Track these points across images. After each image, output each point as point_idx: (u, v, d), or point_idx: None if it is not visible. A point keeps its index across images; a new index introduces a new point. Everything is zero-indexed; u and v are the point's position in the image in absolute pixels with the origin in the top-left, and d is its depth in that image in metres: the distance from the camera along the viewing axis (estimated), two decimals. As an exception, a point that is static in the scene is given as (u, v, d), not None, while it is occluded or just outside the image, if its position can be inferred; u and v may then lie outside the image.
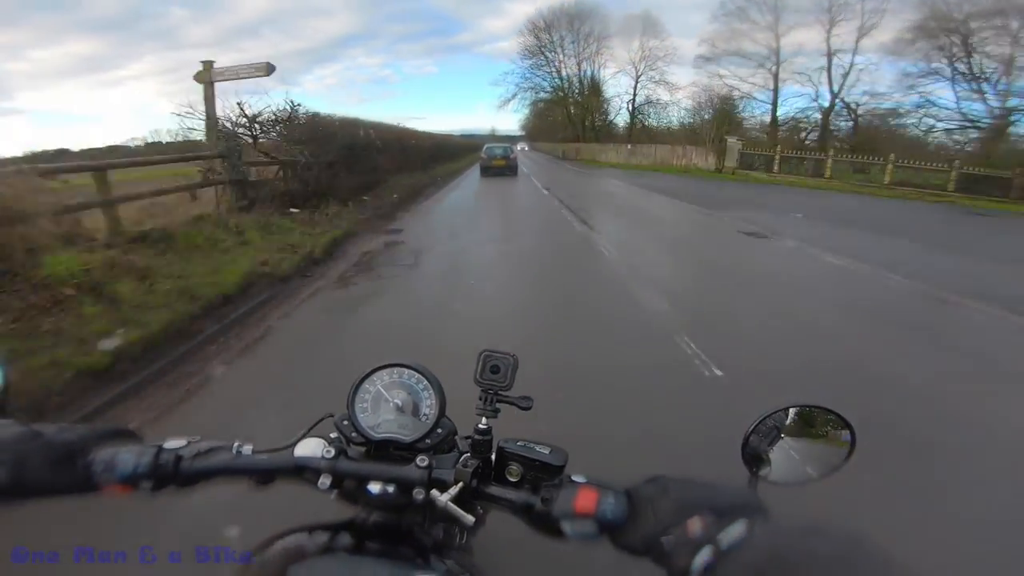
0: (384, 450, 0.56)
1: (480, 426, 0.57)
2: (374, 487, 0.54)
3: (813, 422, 0.65)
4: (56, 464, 0.49)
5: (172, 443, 0.53)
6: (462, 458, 0.55)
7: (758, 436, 0.64)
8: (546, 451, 0.54)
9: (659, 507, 0.45)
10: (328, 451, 0.54)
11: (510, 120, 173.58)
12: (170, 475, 0.51)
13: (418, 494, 0.52)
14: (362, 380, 0.60)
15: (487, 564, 0.61)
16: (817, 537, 0.37)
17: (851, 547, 0.35)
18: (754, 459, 0.63)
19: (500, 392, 0.59)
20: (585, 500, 0.48)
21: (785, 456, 0.64)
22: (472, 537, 0.64)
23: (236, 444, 0.55)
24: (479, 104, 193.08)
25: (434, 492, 0.51)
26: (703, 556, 0.39)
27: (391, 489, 0.53)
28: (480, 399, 0.58)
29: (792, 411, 0.65)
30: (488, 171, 19.21)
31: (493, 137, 50.38)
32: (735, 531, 0.40)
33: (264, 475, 0.55)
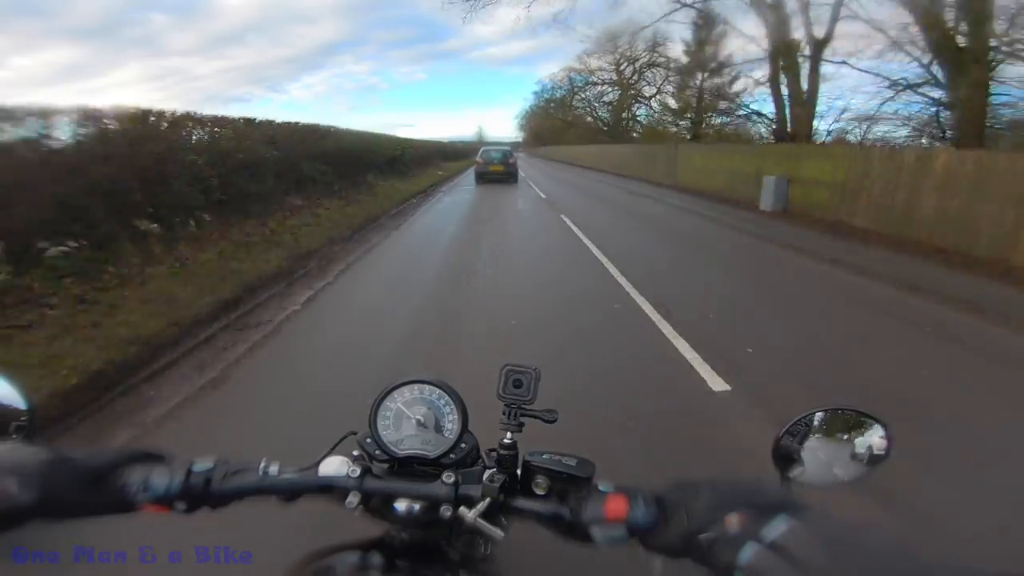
0: (408, 466, 0.57)
1: (505, 440, 0.58)
2: (400, 505, 0.55)
3: (846, 424, 0.65)
4: (87, 485, 0.50)
5: (200, 464, 0.54)
6: (488, 473, 0.55)
7: (789, 437, 0.64)
8: (573, 463, 0.55)
9: (692, 507, 0.45)
10: (354, 470, 0.55)
11: (502, 125, 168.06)
12: (201, 496, 0.52)
13: (445, 511, 0.53)
14: (383, 397, 0.61)
15: (510, 572, 0.63)
16: (865, 532, 0.37)
17: (901, 543, 0.36)
18: (785, 460, 0.64)
19: (524, 406, 0.60)
20: (615, 507, 0.50)
21: (816, 458, 0.64)
22: (496, 548, 0.64)
23: (263, 464, 0.56)
24: (468, 111, 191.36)
25: (463, 509, 0.52)
26: (747, 552, 0.39)
27: (417, 507, 0.54)
28: (504, 414, 0.59)
29: (824, 414, 0.65)
30: (484, 177, 17.08)
31: (480, 143, 48.38)
32: (778, 526, 0.40)
33: (292, 494, 0.55)
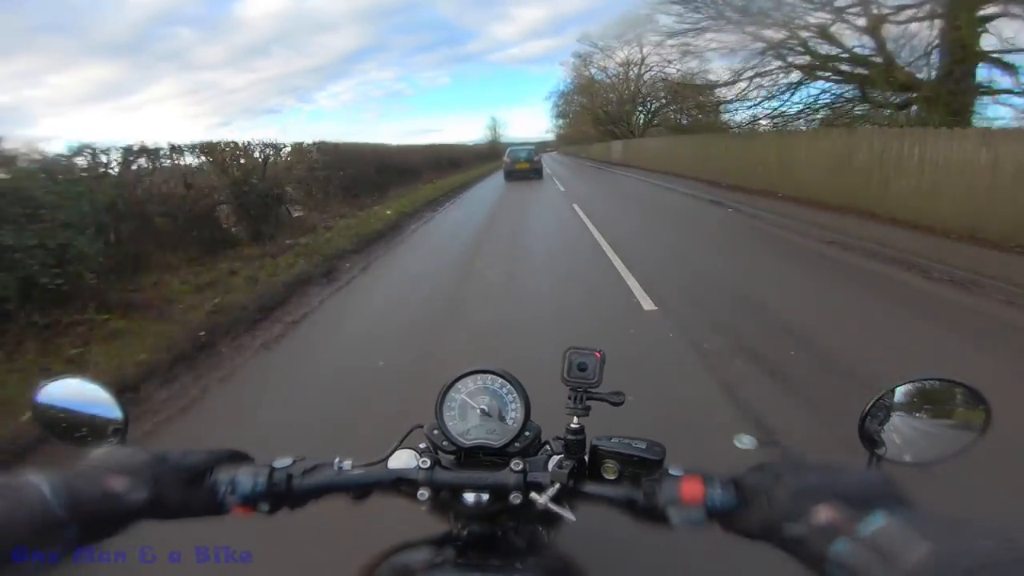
0: (474, 457, 0.60)
1: (572, 426, 0.58)
2: (469, 496, 0.56)
3: (939, 397, 0.61)
4: (184, 486, 0.52)
5: (281, 462, 0.57)
6: (557, 459, 0.56)
7: (874, 415, 0.61)
8: (643, 446, 0.54)
9: (775, 493, 0.44)
10: (424, 461, 0.56)
11: (527, 125, 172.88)
12: (284, 494, 0.54)
13: (515, 499, 0.54)
14: (448, 388, 0.63)
15: (576, 557, 0.61)
16: (970, 528, 0.35)
17: (1009, 537, 0.33)
18: (871, 440, 0.60)
19: (589, 389, 0.60)
20: (691, 489, 0.49)
21: (906, 435, 0.61)
22: (558, 534, 0.66)
23: (336, 460, 0.58)
24: (493, 113, 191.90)
25: (533, 495, 0.53)
26: (840, 547, 0.38)
27: (486, 496, 0.56)
28: (569, 398, 0.59)
29: (915, 385, 0.61)
30: (512, 175, 18.52)
31: (498, 145, 49.28)
32: (875, 521, 0.38)
33: (364, 490, 0.58)
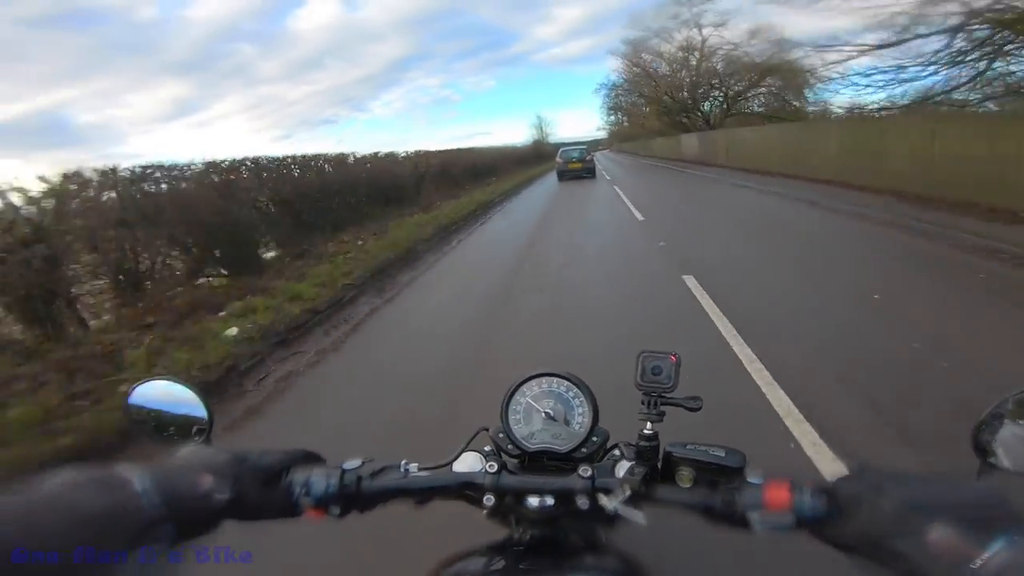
0: (538, 461, 0.60)
1: (645, 431, 0.57)
2: (533, 500, 0.56)
3: None
4: (262, 486, 0.54)
5: (350, 464, 0.58)
6: (628, 465, 0.56)
7: (988, 424, 0.58)
8: (721, 453, 0.53)
9: (878, 505, 0.41)
10: (491, 466, 0.57)
11: (576, 125, 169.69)
12: (353, 496, 0.56)
13: (582, 504, 0.54)
14: (513, 392, 0.63)
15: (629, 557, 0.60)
16: None
17: None
18: (984, 450, 0.57)
19: (664, 394, 0.59)
20: (777, 496, 0.48)
21: (1019, 445, 0.57)
22: (614, 533, 0.65)
23: (403, 463, 0.59)
24: (542, 112, 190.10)
25: (603, 499, 0.53)
26: (963, 572, 0.34)
27: (550, 501, 0.56)
28: (643, 403, 0.58)
29: None
30: (565, 175, 19.09)
31: (545, 146, 48.48)
32: (997, 548, 0.34)
33: (427, 494, 0.59)
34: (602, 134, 69.36)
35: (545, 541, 0.58)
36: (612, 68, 48.20)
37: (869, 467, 0.46)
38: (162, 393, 0.68)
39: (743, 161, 15.73)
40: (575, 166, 19.01)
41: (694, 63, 25.10)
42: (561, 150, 20.62)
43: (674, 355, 0.60)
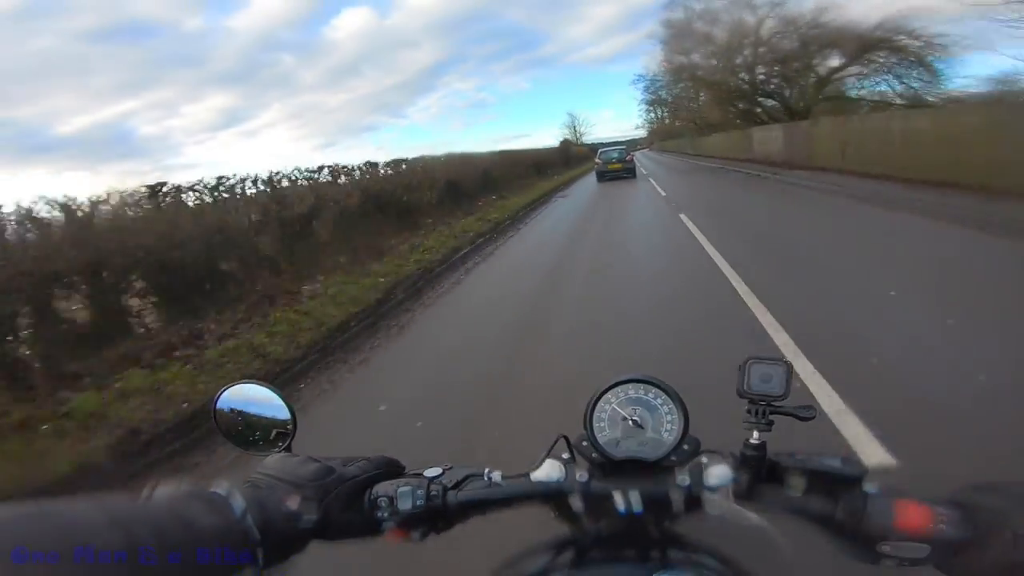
0: (623, 470, 0.62)
1: (752, 440, 0.58)
2: (622, 505, 0.59)
3: None
4: (349, 502, 0.56)
5: (431, 471, 0.62)
6: (728, 472, 0.57)
7: None
8: (837, 462, 0.53)
9: (1020, 527, 0.39)
10: (582, 475, 0.60)
11: (613, 125, 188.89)
12: (439, 509, 0.59)
13: (678, 509, 0.57)
14: (598, 398, 0.66)
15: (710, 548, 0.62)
16: None
17: None
18: None
19: (774, 403, 0.59)
20: (913, 516, 0.46)
21: None
22: (682, 524, 0.65)
23: (487, 470, 0.62)
24: (576, 111, 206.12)
25: (707, 494, 0.56)
26: None
27: (639, 508, 0.58)
28: (749, 412, 0.60)
29: None
30: (605, 176, 20.87)
31: (580, 146, 53.41)
32: None
33: (512, 504, 0.62)
34: (641, 132, 64.09)
35: (623, 537, 0.61)
36: (651, 58, 45.73)
37: (998, 481, 0.45)
38: (248, 396, 0.73)
39: (875, 164, 12.04)
40: (615, 167, 20.97)
41: (762, 36, 22.24)
42: (600, 151, 22.83)
43: (784, 360, 0.61)
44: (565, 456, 0.63)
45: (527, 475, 0.61)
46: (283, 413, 0.70)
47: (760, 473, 0.56)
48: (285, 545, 0.48)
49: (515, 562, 0.59)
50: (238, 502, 0.45)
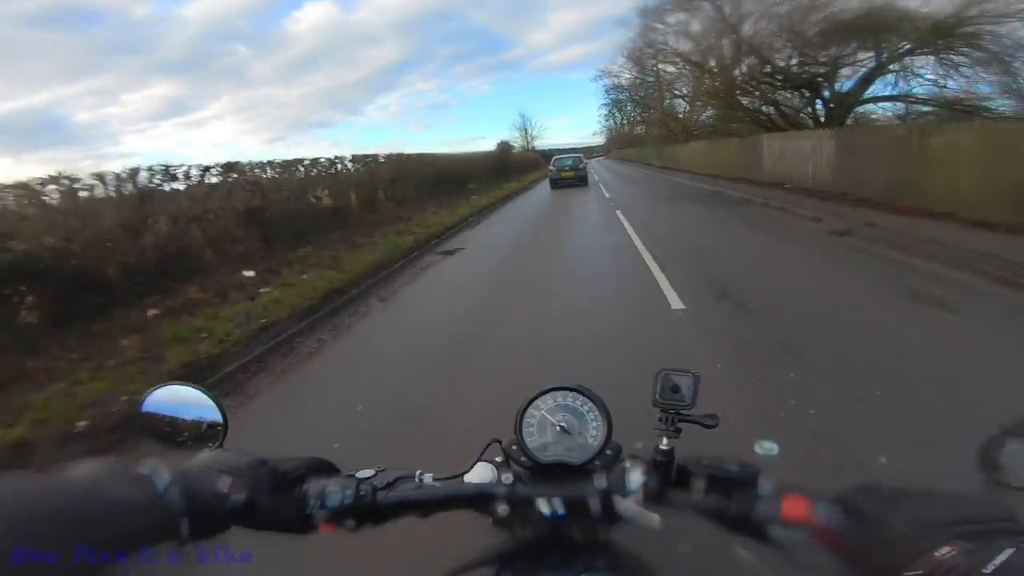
0: (550, 473, 0.70)
1: (661, 447, 0.67)
2: (545, 509, 0.65)
3: None
4: (278, 493, 0.62)
5: (364, 473, 0.68)
6: (642, 477, 0.65)
7: (999, 439, 0.61)
8: (735, 467, 0.62)
9: (891, 523, 0.46)
10: (507, 477, 0.67)
11: (571, 132, 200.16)
12: (369, 507, 0.66)
13: (595, 510, 0.64)
14: (528, 405, 0.73)
15: (629, 559, 0.69)
16: None
17: None
18: (991, 464, 0.61)
19: (682, 412, 0.69)
20: (794, 508, 0.54)
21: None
22: (616, 533, 0.72)
23: (418, 472, 0.70)
24: (536, 119, 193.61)
25: (617, 497, 0.63)
26: None
27: (562, 511, 0.66)
28: (660, 420, 0.69)
29: None
30: (558, 183, 24.07)
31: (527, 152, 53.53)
32: (1004, 561, 0.37)
33: (441, 505, 0.69)
34: (599, 139, 60.12)
35: (550, 543, 0.69)
36: (616, 56, 45.21)
37: (879, 485, 0.53)
38: (176, 398, 0.76)
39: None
40: (568, 175, 23.69)
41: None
42: (555, 159, 25.89)
43: (694, 373, 0.73)
44: (499, 460, 0.71)
45: (461, 477, 0.69)
46: (214, 414, 0.76)
47: (669, 477, 0.65)
48: (212, 521, 0.55)
49: (450, 572, 0.66)
50: (162, 478, 0.50)
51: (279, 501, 0.57)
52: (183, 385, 0.75)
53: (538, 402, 0.69)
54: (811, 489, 0.51)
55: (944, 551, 0.37)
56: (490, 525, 0.64)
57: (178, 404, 0.73)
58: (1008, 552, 0.35)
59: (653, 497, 0.58)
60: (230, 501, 0.52)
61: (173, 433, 0.72)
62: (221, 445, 0.70)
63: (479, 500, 0.63)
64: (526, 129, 63.73)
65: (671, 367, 0.66)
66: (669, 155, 28.49)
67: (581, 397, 0.68)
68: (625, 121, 41.85)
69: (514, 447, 0.66)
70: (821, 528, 0.48)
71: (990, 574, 0.34)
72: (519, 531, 0.65)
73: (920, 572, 0.38)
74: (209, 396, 0.74)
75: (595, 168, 29.11)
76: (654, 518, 0.57)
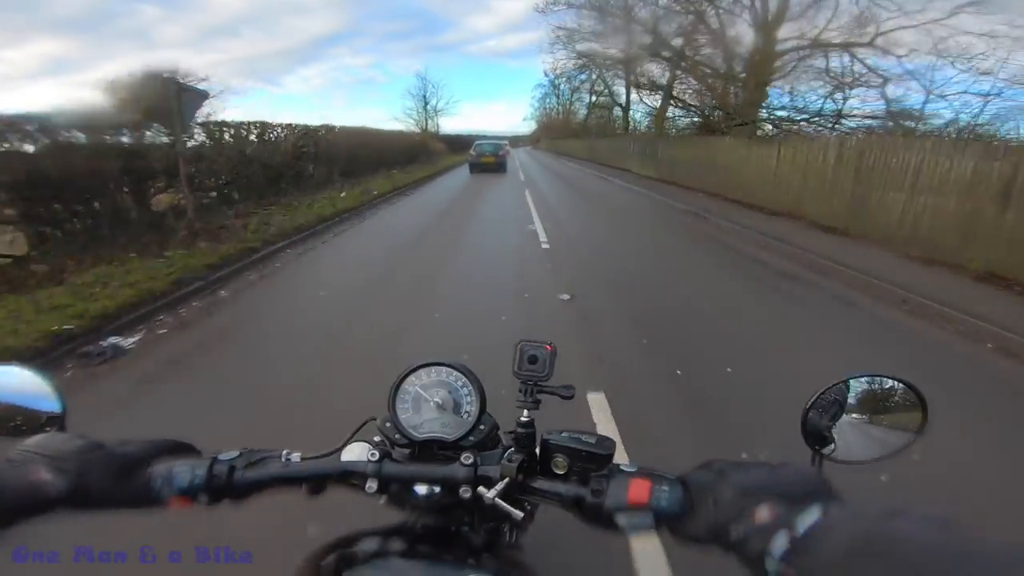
0: (428, 450, 0.71)
1: (522, 419, 0.70)
2: (420, 488, 0.67)
3: (879, 395, 0.69)
4: (117, 476, 0.61)
5: (226, 455, 0.68)
6: (507, 453, 0.68)
7: (818, 412, 0.69)
8: (592, 440, 0.65)
9: (719, 494, 0.52)
10: (373, 454, 0.67)
11: (502, 120, 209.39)
12: (225, 487, 0.66)
13: (465, 492, 0.66)
14: (401, 381, 0.74)
15: (538, 561, 0.70)
16: (899, 519, 0.39)
17: (936, 529, 0.38)
18: (816, 437, 0.69)
19: (540, 383, 0.71)
20: (638, 490, 0.56)
21: (850, 433, 0.68)
22: (522, 534, 0.76)
23: (285, 452, 0.70)
24: (467, 105, 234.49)
25: (481, 489, 0.64)
26: (779, 542, 0.42)
27: (437, 490, 0.67)
28: (520, 391, 0.71)
29: (855, 382, 0.70)
30: (476, 168, 24.74)
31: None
32: (810, 516, 0.43)
33: (314, 483, 0.69)
34: (530, 126, 59.48)
35: (439, 532, 0.69)
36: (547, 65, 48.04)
37: (715, 460, 0.56)
38: (11, 382, 0.73)
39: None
40: (488, 160, 24.25)
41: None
42: (476, 143, 26.60)
43: (549, 344, 0.73)
44: (377, 439, 0.70)
45: (337, 455, 0.68)
46: (52, 400, 0.73)
47: (533, 453, 0.67)
48: (18, 510, 0.53)
49: (332, 548, 0.63)
50: None
51: (118, 483, 0.55)
52: (19, 367, 0.70)
53: (412, 378, 0.69)
54: (656, 469, 0.55)
55: (762, 512, 0.42)
56: (382, 504, 0.65)
57: (12, 388, 0.68)
58: (815, 507, 0.40)
59: (518, 484, 0.58)
60: (45, 489, 0.51)
61: (5, 418, 0.68)
62: (63, 428, 0.67)
63: (351, 478, 0.62)
64: (426, 100, 43.19)
65: (528, 339, 0.68)
66: (620, 158, 27.85)
67: (455, 372, 0.68)
68: (559, 106, 39.68)
69: (388, 424, 0.66)
70: (662, 510, 0.51)
71: (801, 531, 0.39)
72: (409, 511, 0.66)
73: (741, 528, 0.43)
74: (45, 378, 0.70)
75: (525, 164, 27.88)
76: (515, 511, 0.57)
